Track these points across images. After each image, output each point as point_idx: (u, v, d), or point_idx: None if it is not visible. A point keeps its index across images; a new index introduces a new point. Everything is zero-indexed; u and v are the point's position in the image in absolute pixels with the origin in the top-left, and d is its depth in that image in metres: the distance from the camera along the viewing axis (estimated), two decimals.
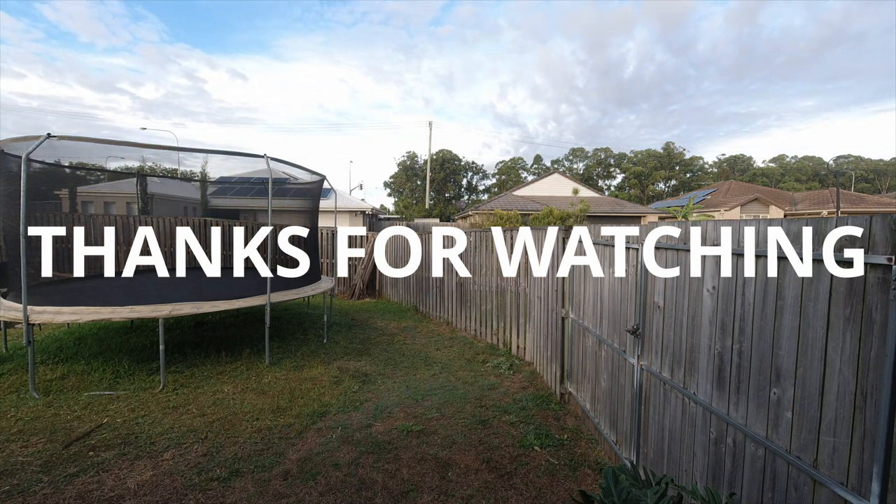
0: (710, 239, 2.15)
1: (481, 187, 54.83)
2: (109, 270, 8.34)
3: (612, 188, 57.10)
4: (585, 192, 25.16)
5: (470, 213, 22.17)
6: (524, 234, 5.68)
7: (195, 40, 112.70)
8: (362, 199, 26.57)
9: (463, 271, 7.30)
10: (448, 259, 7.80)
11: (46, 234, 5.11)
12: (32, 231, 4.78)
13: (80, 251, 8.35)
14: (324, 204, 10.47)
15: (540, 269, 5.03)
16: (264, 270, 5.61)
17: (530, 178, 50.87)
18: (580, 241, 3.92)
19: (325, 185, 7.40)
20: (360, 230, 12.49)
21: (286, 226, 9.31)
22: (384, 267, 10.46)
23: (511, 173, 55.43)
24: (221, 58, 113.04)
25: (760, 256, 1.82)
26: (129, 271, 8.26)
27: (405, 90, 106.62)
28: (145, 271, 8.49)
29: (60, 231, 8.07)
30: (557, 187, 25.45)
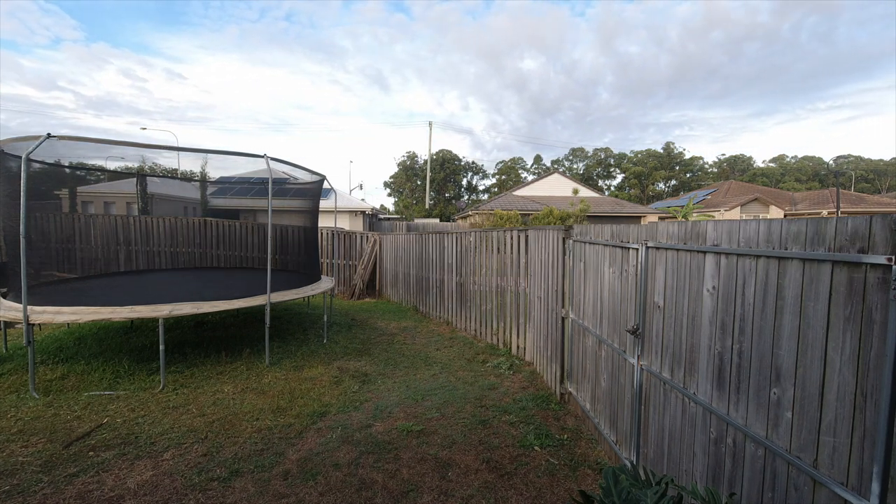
0: (711, 239, 2.15)
1: (481, 187, 54.88)
2: (109, 270, 8.35)
3: (612, 188, 57.11)
4: (585, 192, 25.17)
5: (470, 213, 22.17)
6: (524, 234, 5.68)
7: (113, 40, 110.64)
8: (362, 199, 26.57)
9: (463, 271, 7.31)
10: (448, 259, 7.80)
11: (46, 235, 5.11)
12: (32, 231, 4.78)
13: (80, 251, 8.36)
14: (324, 204, 10.47)
15: (540, 269, 5.03)
16: (264, 270, 5.61)
17: (530, 178, 50.89)
18: (580, 241, 3.92)
19: (325, 185, 7.40)
20: (361, 230, 12.49)
21: (286, 226, 9.34)
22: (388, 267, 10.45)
23: (511, 173, 55.44)
24: (153, 58, 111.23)
25: (760, 256, 1.82)
26: (128, 271, 8.28)
27: (342, 88, 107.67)
28: (145, 271, 8.51)
29: (60, 231, 8.09)
30: (557, 187, 25.46)
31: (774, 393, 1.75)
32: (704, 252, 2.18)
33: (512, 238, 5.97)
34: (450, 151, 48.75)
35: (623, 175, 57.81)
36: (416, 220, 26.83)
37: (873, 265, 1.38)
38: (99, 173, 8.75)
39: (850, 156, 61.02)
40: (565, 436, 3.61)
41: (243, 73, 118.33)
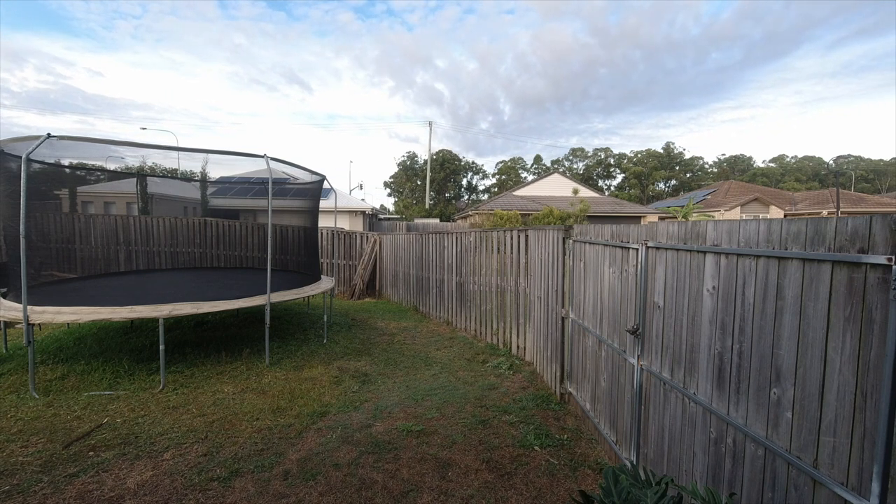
0: (711, 239, 2.15)
1: (481, 187, 54.88)
2: (109, 270, 8.35)
3: (612, 188, 57.11)
4: (585, 193, 25.15)
5: (470, 213, 22.17)
6: (524, 234, 5.68)
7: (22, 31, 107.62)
8: (362, 199, 26.58)
9: (463, 271, 7.31)
10: (448, 259, 7.80)
11: (46, 235, 5.11)
12: (32, 231, 4.78)
13: (80, 251, 8.36)
14: (324, 204, 10.47)
15: (540, 269, 5.03)
16: (264, 270, 5.61)
17: (530, 178, 50.89)
18: (580, 241, 3.92)
19: (325, 185, 7.40)
20: (361, 230, 12.48)
21: (286, 226, 9.34)
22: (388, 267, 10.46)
23: (511, 173, 55.44)
24: (76, 54, 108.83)
25: (760, 256, 1.82)
26: (128, 271, 8.29)
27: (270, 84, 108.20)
28: (145, 271, 8.51)
29: (60, 231, 8.09)
30: (557, 187, 25.46)
31: (774, 393, 1.75)
32: (704, 252, 2.18)
33: (512, 238, 5.97)
34: (450, 151, 48.76)
35: (623, 175, 57.82)
36: (416, 220, 26.82)
37: (873, 265, 1.38)
38: (99, 173, 8.74)
39: (850, 156, 61.06)
40: (565, 436, 3.61)
41: (152, 71, 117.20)
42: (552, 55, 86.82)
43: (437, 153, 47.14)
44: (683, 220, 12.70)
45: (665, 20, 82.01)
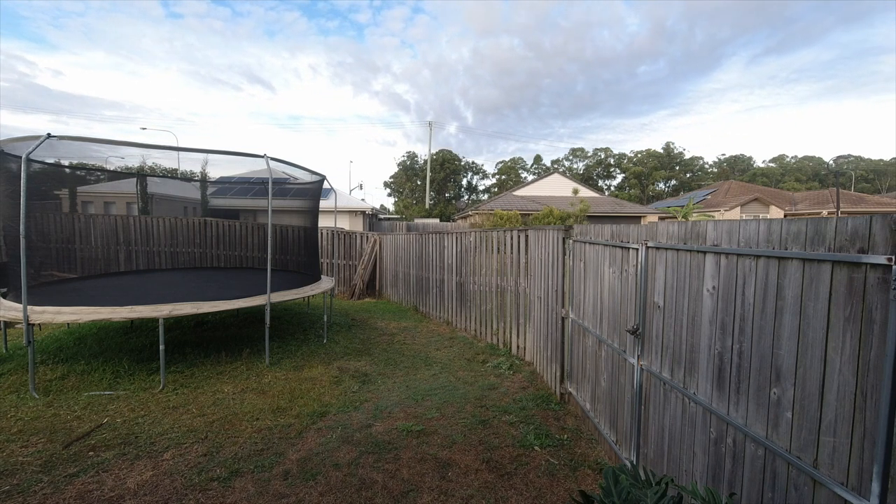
0: (710, 239, 2.15)
1: (481, 187, 54.87)
2: (109, 270, 8.35)
3: (612, 188, 57.11)
4: (585, 193, 25.15)
5: (470, 213, 22.17)
6: (524, 234, 5.68)
7: None
8: (362, 199, 26.58)
9: (463, 271, 7.31)
10: (448, 259, 7.80)
11: (46, 235, 5.11)
12: (32, 231, 4.78)
13: (80, 251, 8.36)
14: (324, 204, 10.47)
15: (540, 269, 5.03)
16: (264, 270, 5.61)
17: (530, 178, 50.88)
18: (580, 241, 3.92)
19: (325, 185, 7.40)
20: (361, 230, 12.47)
21: (286, 226, 9.34)
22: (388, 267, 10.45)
23: (511, 173, 55.43)
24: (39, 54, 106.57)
25: (760, 256, 1.82)
26: (128, 271, 8.29)
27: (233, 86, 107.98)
28: (145, 271, 8.51)
29: (60, 231, 8.09)
30: (557, 187, 25.46)
31: (774, 393, 1.75)
32: (704, 252, 2.18)
33: (512, 238, 5.97)
34: (450, 151, 48.76)
35: (623, 175, 57.81)
36: (417, 220, 26.82)
37: (873, 265, 1.38)
38: (99, 173, 8.74)
39: (850, 156, 61.08)
40: (565, 436, 3.61)
41: (109, 71, 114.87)
42: (497, 67, 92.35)
43: (437, 153, 47.13)
44: (683, 220, 12.70)
45: (588, 38, 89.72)
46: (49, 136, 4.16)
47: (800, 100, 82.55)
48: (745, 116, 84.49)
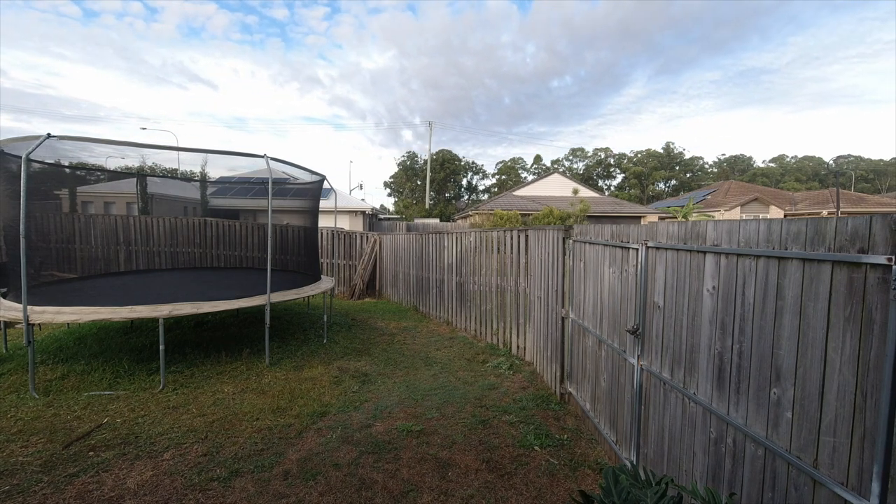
0: (711, 239, 2.15)
1: (481, 187, 54.89)
2: (109, 270, 8.35)
3: (612, 188, 57.11)
4: (585, 193, 25.15)
5: (470, 213, 22.17)
6: (524, 234, 5.68)
7: None
8: (362, 199, 26.58)
9: (463, 271, 7.30)
10: (448, 259, 7.80)
11: (46, 235, 5.11)
12: (32, 231, 4.78)
13: (80, 251, 8.36)
14: (324, 204, 10.47)
15: (540, 269, 5.03)
16: (264, 270, 5.61)
17: (530, 178, 50.88)
18: (580, 241, 3.92)
19: (325, 185, 7.40)
20: (361, 230, 12.47)
21: (286, 226, 9.34)
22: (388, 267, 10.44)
23: (511, 173, 55.44)
24: None
25: (760, 256, 1.82)
26: (128, 271, 8.29)
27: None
28: (145, 271, 8.51)
29: (60, 231, 8.09)
30: (557, 187, 25.46)
31: (774, 393, 1.75)
32: (704, 252, 2.18)
33: (512, 238, 5.97)
34: (450, 151, 48.76)
35: (623, 175, 57.83)
36: (417, 220, 26.82)
37: (873, 265, 1.38)
38: (99, 173, 8.74)
39: (850, 156, 61.09)
40: (565, 436, 3.61)
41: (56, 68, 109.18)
42: (426, 82, 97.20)
43: (437, 153, 47.13)
44: (683, 220, 12.70)
45: (497, 59, 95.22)
46: (49, 135, 4.16)
47: (705, 110, 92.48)
48: (668, 124, 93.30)
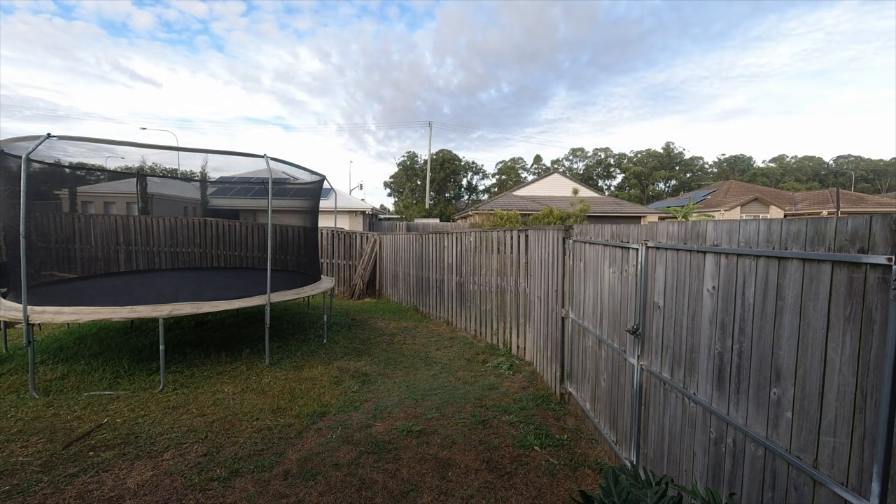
0: (710, 239, 2.15)
1: (481, 187, 54.89)
2: (109, 270, 8.35)
3: (612, 188, 57.11)
4: (585, 193, 25.16)
5: (470, 212, 22.18)
6: (524, 234, 5.68)
7: None
8: (362, 199, 26.57)
9: (463, 271, 7.30)
10: (448, 259, 7.80)
11: (46, 235, 5.11)
12: (32, 231, 4.77)
13: (80, 251, 8.35)
14: (324, 204, 10.47)
15: (540, 269, 5.03)
16: (264, 270, 5.61)
17: (530, 178, 50.87)
18: (580, 241, 3.92)
19: (325, 185, 7.40)
20: (361, 230, 12.46)
21: (286, 226, 9.34)
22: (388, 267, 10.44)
23: (511, 173, 55.44)
24: None
25: (760, 256, 1.82)
26: (128, 271, 8.28)
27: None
28: (145, 271, 8.51)
29: (60, 231, 8.09)
30: (557, 187, 25.46)
31: (774, 393, 1.75)
32: (704, 252, 2.18)
33: (512, 238, 5.97)
34: (450, 151, 48.76)
35: (623, 175, 57.83)
36: (416, 220, 26.82)
37: (873, 265, 1.38)
38: (99, 173, 8.74)
39: (850, 156, 61.11)
40: (565, 436, 3.61)
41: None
42: (365, 93, 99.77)
43: (437, 153, 47.12)
44: (683, 220, 12.70)
45: (418, 74, 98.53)
46: (49, 135, 4.16)
47: (629, 119, 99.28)
48: (602, 132, 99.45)
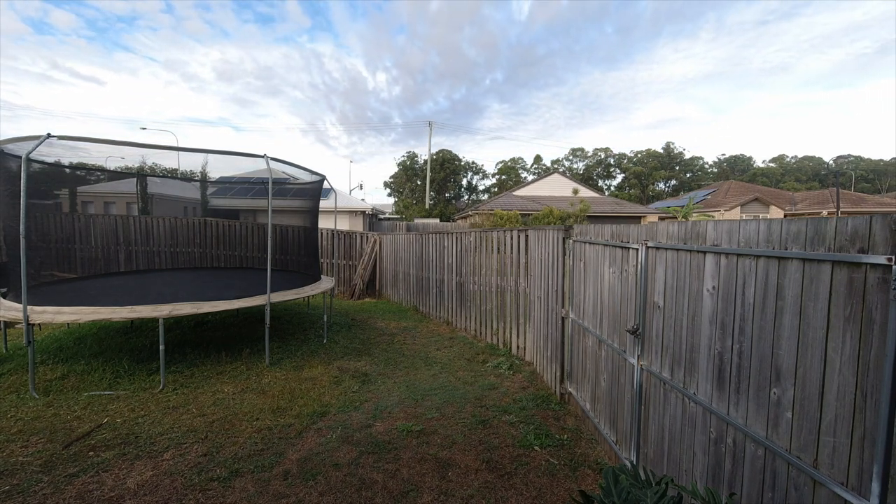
0: (711, 239, 2.15)
1: (481, 187, 54.84)
2: (109, 270, 8.35)
3: (612, 188, 57.10)
4: (585, 193, 25.16)
5: (470, 212, 22.18)
6: (524, 234, 5.68)
7: None
8: (362, 199, 26.57)
9: (463, 271, 7.30)
10: (448, 259, 7.80)
11: (46, 235, 5.10)
12: (32, 231, 4.77)
13: (80, 251, 8.36)
14: (324, 204, 10.47)
15: (540, 269, 5.03)
16: (264, 270, 5.61)
17: (530, 178, 50.88)
18: (580, 241, 3.92)
19: (325, 185, 7.40)
20: (361, 230, 12.46)
21: (286, 226, 9.34)
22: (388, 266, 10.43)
23: (511, 173, 55.42)
24: None
25: (760, 256, 1.82)
26: (128, 271, 8.28)
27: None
28: (145, 271, 8.51)
29: (60, 231, 8.09)
30: (557, 187, 25.46)
31: (774, 393, 1.75)
32: (704, 252, 2.18)
33: (512, 238, 5.97)
34: (449, 151, 48.73)
35: (623, 175, 57.81)
36: (416, 220, 26.82)
37: (873, 265, 1.38)
38: (99, 173, 8.74)
39: (850, 156, 61.13)
40: (565, 436, 3.61)
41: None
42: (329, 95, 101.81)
43: (437, 153, 47.11)
44: (683, 220, 12.70)
45: (362, 88, 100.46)
46: (49, 135, 4.16)
47: (560, 126, 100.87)
48: (539, 140, 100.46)
